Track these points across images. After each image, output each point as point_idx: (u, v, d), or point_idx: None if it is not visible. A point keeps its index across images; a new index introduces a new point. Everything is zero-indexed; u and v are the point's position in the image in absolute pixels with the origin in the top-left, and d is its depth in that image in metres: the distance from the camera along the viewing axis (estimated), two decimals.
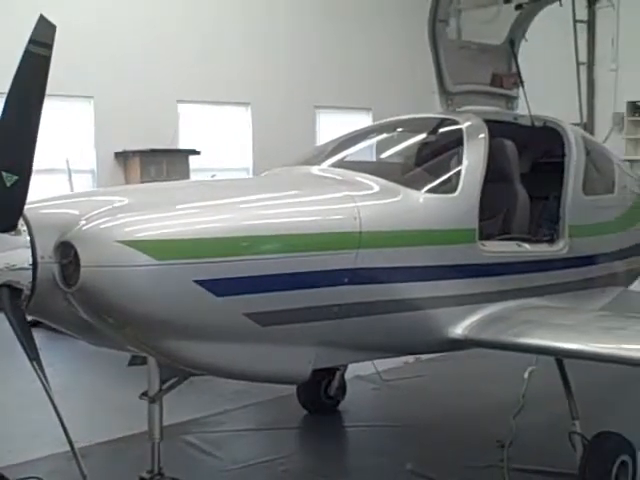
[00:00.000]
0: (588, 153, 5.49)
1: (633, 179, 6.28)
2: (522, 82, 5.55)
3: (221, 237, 3.38)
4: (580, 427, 4.56)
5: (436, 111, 5.23)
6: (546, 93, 13.89)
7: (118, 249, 3.14)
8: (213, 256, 3.32)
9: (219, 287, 3.34)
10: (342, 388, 6.23)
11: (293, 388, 6.02)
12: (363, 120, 14.21)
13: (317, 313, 3.69)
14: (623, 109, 14.02)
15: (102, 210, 3.29)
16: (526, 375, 6.69)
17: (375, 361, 5.84)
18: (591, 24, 14.81)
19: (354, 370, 6.34)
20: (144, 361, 4.09)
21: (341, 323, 3.79)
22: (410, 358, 6.97)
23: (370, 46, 15.00)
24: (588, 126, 14.70)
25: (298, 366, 3.77)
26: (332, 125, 14.33)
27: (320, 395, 6.08)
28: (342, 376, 6.16)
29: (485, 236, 4.59)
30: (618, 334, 4.31)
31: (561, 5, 5.31)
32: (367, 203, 3.94)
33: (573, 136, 5.31)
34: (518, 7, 5.28)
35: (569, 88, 14.20)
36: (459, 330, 4.27)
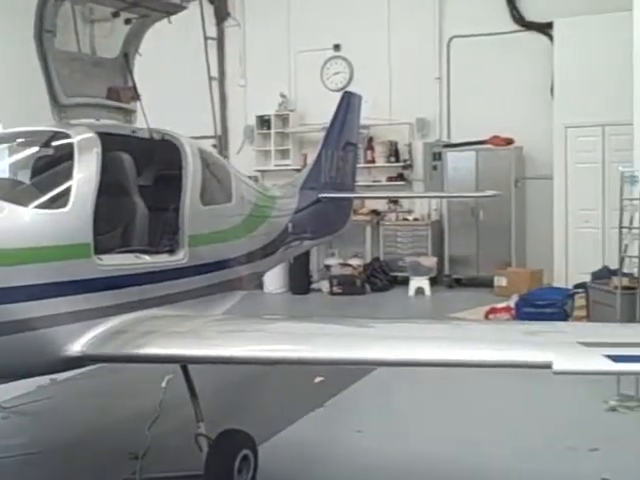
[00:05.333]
0: (207, 165, 5.73)
1: (252, 189, 6.68)
2: (139, 96, 5.60)
3: None
4: (206, 428, 4.76)
5: (49, 123, 5.07)
6: (183, 107, 14.33)
7: None
8: None
9: None
10: None
11: None
12: None
13: None
14: (253, 122, 14.85)
15: None
16: (163, 384, 6.83)
17: None
18: (220, 41, 15.51)
19: None
20: None
21: None
22: (45, 380, 6.71)
23: None
24: (223, 138, 15.41)
25: None
26: None
27: None
28: None
29: (103, 250, 4.56)
30: (242, 336, 4.57)
31: (170, 22, 5.45)
32: None
33: (190, 149, 5.48)
34: (127, 22, 5.32)
35: (203, 102, 14.82)
36: (77, 347, 4.19)
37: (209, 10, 15.13)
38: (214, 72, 15.24)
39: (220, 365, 5.64)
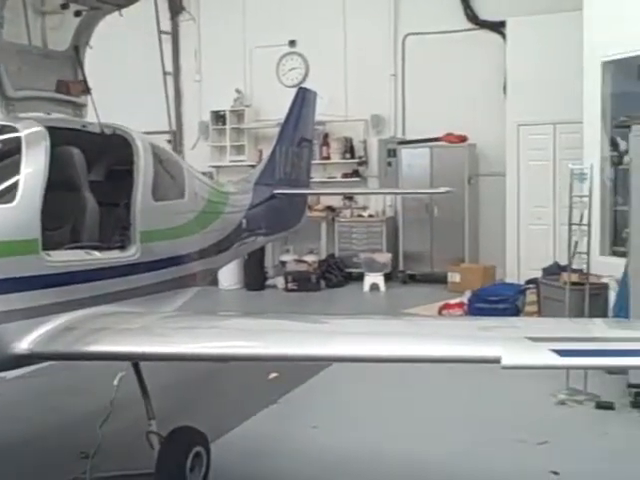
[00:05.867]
0: (160, 161, 5.67)
1: (205, 185, 6.63)
2: (89, 89, 5.52)
3: None
4: (158, 426, 4.72)
5: None
6: (137, 102, 14.18)
7: None
8: None
9: None
10: None
11: None
12: None
13: None
14: (208, 118, 14.76)
15: None
16: (116, 382, 6.73)
17: None
18: (175, 36, 15.38)
19: None
20: None
21: None
22: None
23: None
24: (177, 134, 15.30)
25: None
26: None
27: None
28: None
29: (52, 246, 4.48)
30: (195, 333, 4.54)
31: (121, 15, 5.38)
32: None
33: (141, 144, 5.41)
34: (77, 14, 5.23)
35: (158, 97, 14.70)
36: (25, 345, 4.12)
37: (163, 4, 15.01)
38: (169, 67, 15.14)
39: (173, 362, 5.61)
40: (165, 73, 14.95)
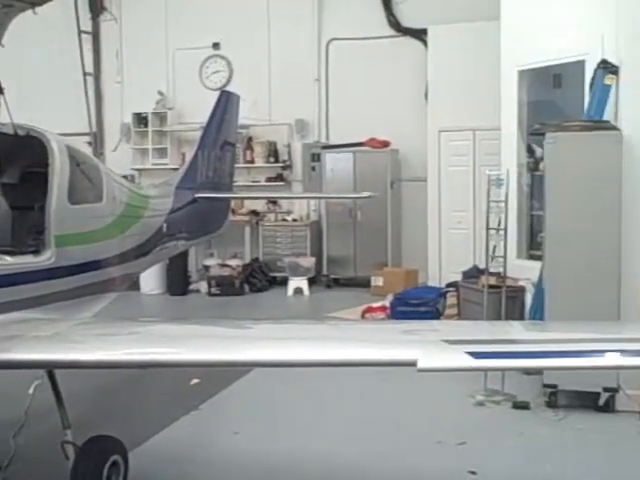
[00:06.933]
0: (76, 163, 5.54)
1: (125, 188, 6.51)
2: (2, 89, 5.35)
3: None
4: (75, 435, 4.61)
5: None
6: (57, 103, 13.87)
7: None
8: None
9: None
10: None
11: None
12: None
13: None
14: (130, 120, 14.53)
15: None
16: (31, 390, 6.54)
17: None
18: (96, 36, 15.08)
19: None
20: None
21: None
22: None
23: None
24: (98, 136, 15.00)
25: None
26: None
27: None
28: None
29: None
30: (114, 339, 4.44)
31: (35, 13, 5.23)
32: None
33: (57, 146, 5.28)
34: None
35: (78, 99, 14.40)
36: None
37: (84, 3, 14.73)
38: (89, 68, 14.85)
39: (90, 371, 5.48)
40: (85, 74, 14.66)
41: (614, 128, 6.50)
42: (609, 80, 6.63)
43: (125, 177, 10.58)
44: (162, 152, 14.53)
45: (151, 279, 12.48)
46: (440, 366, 3.58)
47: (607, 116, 6.66)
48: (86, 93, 14.55)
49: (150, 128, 14.39)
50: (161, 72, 14.42)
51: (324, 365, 4.03)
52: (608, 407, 6.39)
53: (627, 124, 6.50)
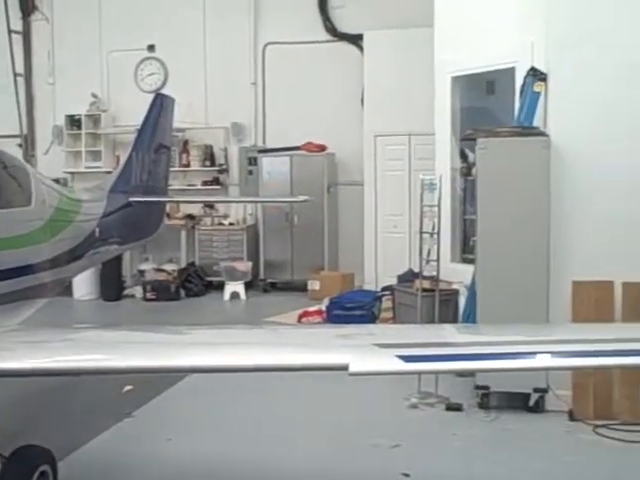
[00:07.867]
0: (3, 166, 5.41)
1: (54, 192, 6.37)
2: None
3: None
4: (0, 445, 4.49)
5: None
6: None
7: None
8: None
9: None
10: None
11: None
12: None
13: None
14: (62, 122, 14.25)
15: None
16: None
17: None
18: (27, 36, 14.75)
19: None
20: None
21: None
22: None
23: None
24: (29, 138, 14.67)
25: None
26: None
27: None
28: None
29: None
30: (43, 347, 4.33)
31: None
32: None
33: None
34: None
35: (8, 100, 14.06)
36: None
37: (14, 2, 14.39)
38: (20, 68, 14.51)
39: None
40: (16, 74, 14.32)
41: (543, 134, 6.65)
42: (538, 87, 6.78)
43: (57, 180, 10.41)
44: (96, 155, 14.29)
45: (84, 284, 12.25)
46: (371, 370, 3.59)
47: (537, 122, 6.80)
48: (17, 94, 14.22)
49: (83, 130, 14.13)
50: (95, 74, 14.19)
51: (257, 370, 4.01)
52: (538, 407, 6.52)
53: (555, 130, 6.65)
